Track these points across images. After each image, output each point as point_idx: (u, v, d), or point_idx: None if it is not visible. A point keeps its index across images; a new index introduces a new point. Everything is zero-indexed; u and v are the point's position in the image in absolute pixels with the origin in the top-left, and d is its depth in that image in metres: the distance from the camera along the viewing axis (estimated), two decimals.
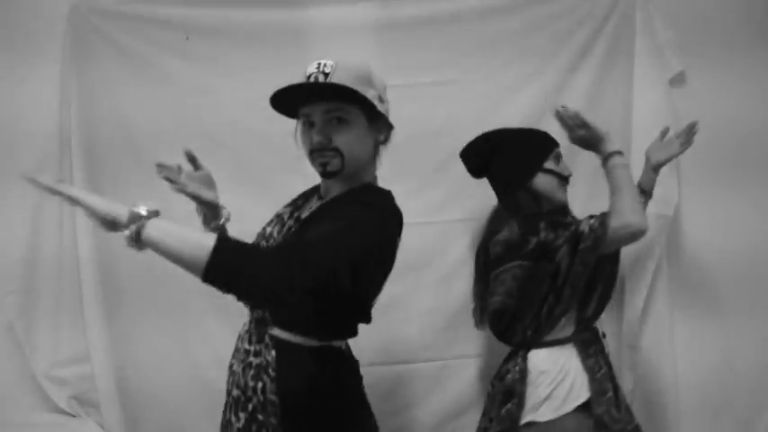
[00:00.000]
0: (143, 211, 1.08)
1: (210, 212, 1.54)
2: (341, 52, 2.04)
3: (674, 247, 2.12)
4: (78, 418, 2.17)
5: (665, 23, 2.05)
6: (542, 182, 1.77)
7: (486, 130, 2.09)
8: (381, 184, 1.80)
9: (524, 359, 1.70)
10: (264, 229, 1.48)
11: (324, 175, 1.35)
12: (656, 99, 2.06)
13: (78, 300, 2.15)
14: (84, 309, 2.15)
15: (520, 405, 1.66)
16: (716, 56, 2.07)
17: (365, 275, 1.29)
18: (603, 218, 1.64)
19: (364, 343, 1.51)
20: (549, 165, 1.78)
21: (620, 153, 1.67)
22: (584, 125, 1.68)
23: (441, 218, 2.11)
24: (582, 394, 1.63)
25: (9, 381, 2.16)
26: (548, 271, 1.67)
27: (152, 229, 1.07)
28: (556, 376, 1.66)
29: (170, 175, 1.43)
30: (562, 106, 1.72)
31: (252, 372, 1.33)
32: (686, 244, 2.13)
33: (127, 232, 1.07)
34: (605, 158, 1.68)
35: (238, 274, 1.08)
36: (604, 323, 2.11)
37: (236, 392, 1.36)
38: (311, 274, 1.10)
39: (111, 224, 1.10)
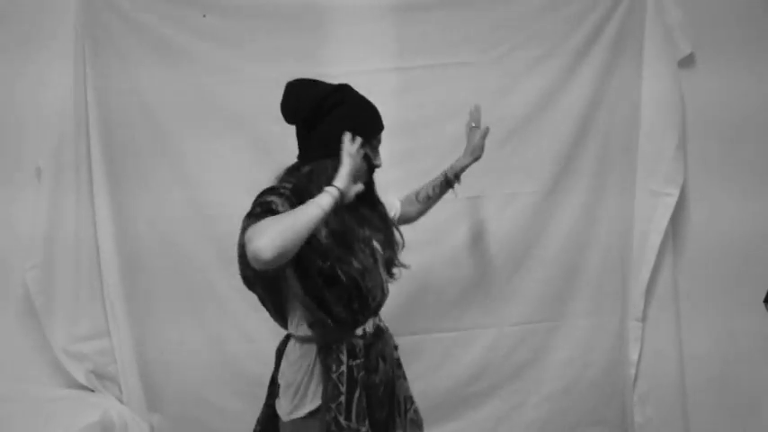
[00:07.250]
0: None
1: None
2: (358, 34, 2.10)
3: (680, 223, 2.17)
4: (97, 393, 2.20)
5: (676, 5, 2.07)
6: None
7: (499, 111, 2.12)
8: (399, 163, 1.98)
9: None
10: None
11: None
12: (665, 81, 2.09)
13: (97, 275, 2.18)
14: (104, 283, 2.18)
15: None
16: (725, 38, 2.10)
17: None
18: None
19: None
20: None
21: None
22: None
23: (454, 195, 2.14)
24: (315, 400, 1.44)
25: (27, 355, 2.19)
26: None
27: None
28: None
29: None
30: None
31: None
32: (692, 221, 2.18)
33: None
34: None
35: None
36: (608, 296, 2.17)
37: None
38: None
39: None
